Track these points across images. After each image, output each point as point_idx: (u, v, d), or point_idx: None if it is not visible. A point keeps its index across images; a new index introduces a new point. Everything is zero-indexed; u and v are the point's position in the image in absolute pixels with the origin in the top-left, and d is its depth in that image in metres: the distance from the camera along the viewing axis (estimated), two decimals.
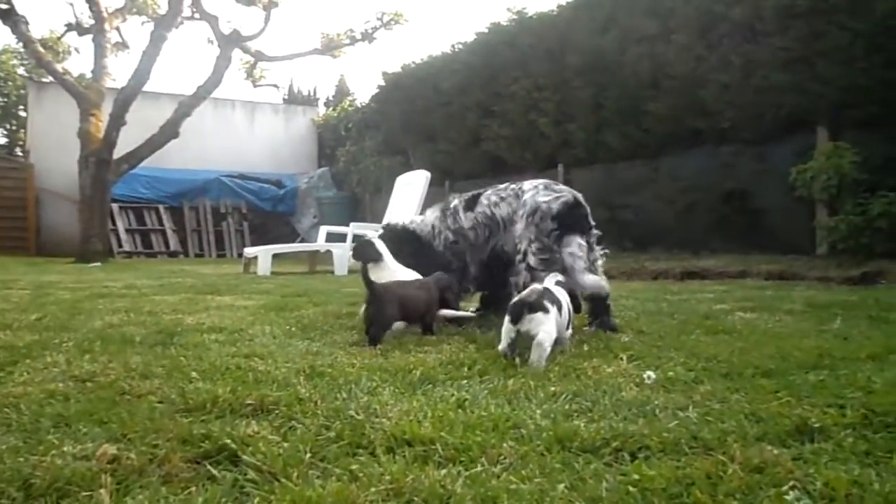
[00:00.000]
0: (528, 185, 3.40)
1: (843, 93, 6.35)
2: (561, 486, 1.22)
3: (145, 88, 12.47)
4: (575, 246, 3.08)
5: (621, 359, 2.36)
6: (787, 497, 1.16)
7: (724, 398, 1.82)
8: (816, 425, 1.53)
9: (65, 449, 1.44)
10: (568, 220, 3.17)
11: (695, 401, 1.79)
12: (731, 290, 5.05)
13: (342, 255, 8.53)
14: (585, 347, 2.60)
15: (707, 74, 7.58)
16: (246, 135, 17.76)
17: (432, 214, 3.85)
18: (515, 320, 2.33)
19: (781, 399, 1.77)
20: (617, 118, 8.79)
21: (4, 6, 11.87)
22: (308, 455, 1.41)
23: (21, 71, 24.26)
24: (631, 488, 1.19)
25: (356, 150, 15.39)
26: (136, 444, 1.48)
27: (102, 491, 1.24)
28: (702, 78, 7.64)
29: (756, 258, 6.57)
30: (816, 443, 1.45)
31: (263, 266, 8.36)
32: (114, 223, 14.66)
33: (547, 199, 3.22)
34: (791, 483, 1.22)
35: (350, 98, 19.13)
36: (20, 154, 19.84)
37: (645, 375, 2.07)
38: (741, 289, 5.12)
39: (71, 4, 14.88)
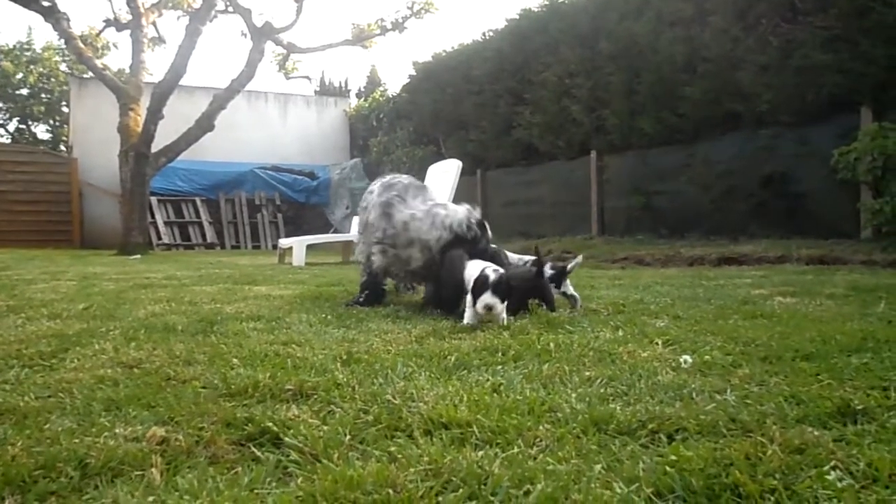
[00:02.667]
0: None
1: (888, 72, 6.17)
2: (598, 467, 1.23)
3: (181, 82, 12.66)
4: None
5: (657, 343, 2.34)
6: (828, 477, 1.15)
7: (762, 381, 1.80)
8: (859, 407, 1.51)
9: (116, 431, 1.49)
10: None
11: (733, 384, 1.77)
12: (770, 275, 4.97)
13: None
14: (620, 332, 2.59)
15: (744, 56, 7.43)
16: (279, 127, 17.95)
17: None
18: None
19: (823, 382, 1.75)
20: (651, 103, 8.68)
21: (46, 3, 12.15)
22: (348, 437, 1.44)
23: (63, 67, 24.87)
24: (668, 468, 1.19)
25: (388, 140, 15.45)
26: (182, 427, 1.53)
27: (153, 470, 1.29)
28: (739, 60, 7.50)
29: (796, 242, 6.45)
30: (859, 424, 1.43)
31: (298, 256, 8.46)
32: (153, 216, 14.99)
33: None
34: (832, 463, 1.21)
35: (381, 88, 19.18)
36: (64, 149, 20.33)
37: (681, 359, 2.05)
38: (781, 274, 5.04)
39: (109, 0, 15.19)
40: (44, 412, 1.67)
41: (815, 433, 1.36)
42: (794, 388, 1.70)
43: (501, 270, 2.91)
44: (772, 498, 1.11)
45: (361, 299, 3.86)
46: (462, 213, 3.57)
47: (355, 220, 10.17)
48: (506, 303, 2.83)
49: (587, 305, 3.46)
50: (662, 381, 1.84)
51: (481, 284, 2.81)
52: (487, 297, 2.76)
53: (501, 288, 2.80)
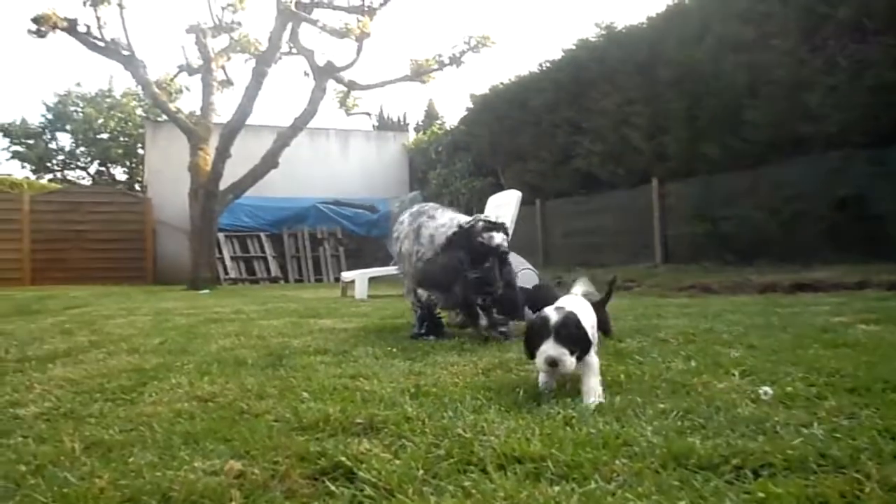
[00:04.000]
0: None
1: None
2: None
3: (247, 122, 13.13)
4: None
5: (733, 374, 2.26)
6: None
7: (852, 414, 1.71)
8: None
9: (196, 464, 1.52)
10: None
11: (819, 417, 1.69)
12: (849, 301, 4.75)
13: None
14: (693, 363, 2.51)
15: (811, 78, 7.22)
16: (340, 162, 18.36)
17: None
18: None
19: None
20: (713, 128, 8.51)
21: (126, 53, 12.86)
22: (421, 472, 1.43)
23: (139, 112, 26.18)
24: None
25: (447, 172, 15.60)
26: (258, 461, 1.55)
27: None
28: (805, 81, 7.29)
29: (875, 267, 6.15)
30: None
31: (360, 289, 8.57)
32: (220, 251, 15.47)
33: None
34: None
35: (439, 122, 19.45)
36: (139, 189, 21.29)
37: (761, 391, 1.97)
38: (861, 300, 4.81)
39: (182, 47, 15.98)
40: (127, 445, 1.73)
41: None
42: (888, 422, 1.61)
43: (567, 307, 2.18)
44: None
45: (423, 331, 3.86)
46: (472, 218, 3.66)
47: None
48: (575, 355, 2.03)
49: (656, 335, 3.38)
50: (742, 413, 1.77)
51: (539, 329, 2.08)
52: (550, 348, 2.02)
53: (570, 333, 2.04)
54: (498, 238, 3.54)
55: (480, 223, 3.58)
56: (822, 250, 7.29)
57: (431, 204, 4.12)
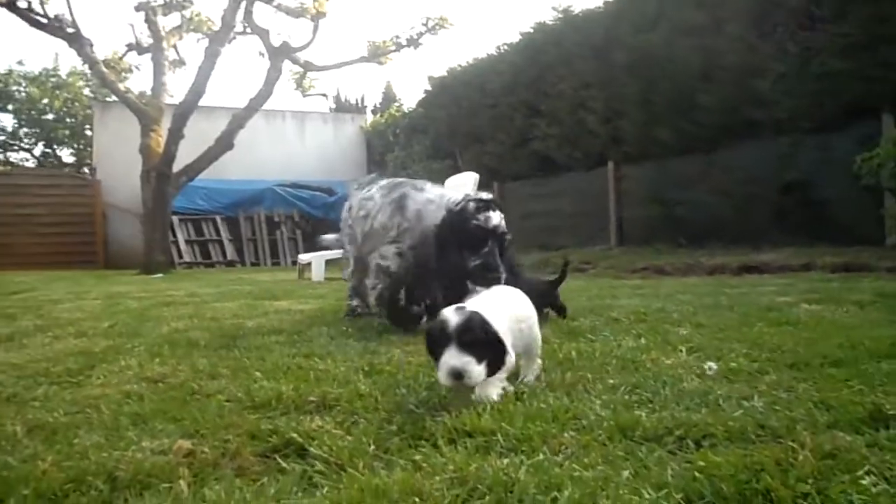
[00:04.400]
0: None
1: None
2: (625, 473, 1.22)
3: (200, 103, 12.84)
4: None
5: (680, 351, 2.32)
6: (862, 482, 1.13)
7: (791, 387, 1.78)
8: (892, 412, 1.48)
9: (143, 444, 1.50)
10: None
11: (760, 390, 1.75)
12: (795, 282, 4.91)
13: None
14: (643, 341, 2.57)
15: (762, 64, 7.39)
16: (297, 144, 18.11)
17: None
18: None
19: (853, 387, 1.72)
20: (668, 113, 8.65)
21: (71, 30, 12.40)
22: (372, 447, 1.44)
23: (87, 92, 25.34)
24: (698, 474, 1.18)
25: (405, 155, 15.53)
26: (208, 440, 1.54)
27: (181, 482, 1.30)
28: (756, 68, 7.45)
29: (820, 250, 6.36)
30: (892, 429, 1.40)
31: (317, 272, 8.51)
32: (174, 235, 15.14)
33: None
34: (866, 468, 1.18)
35: (397, 104, 19.31)
36: (87, 172, 20.68)
37: (706, 366, 2.03)
38: (805, 281, 4.97)
39: (131, 25, 15.49)
40: (72, 427, 1.69)
41: (847, 438, 1.33)
42: (824, 394, 1.67)
43: (472, 308, 1.77)
44: (805, 503, 1.09)
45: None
46: (462, 196, 3.29)
47: None
48: (484, 363, 1.69)
49: (608, 315, 3.44)
50: (688, 387, 1.82)
51: (438, 336, 1.73)
52: (452, 357, 1.66)
53: (476, 338, 1.68)
54: (495, 218, 3.14)
55: (471, 203, 3.17)
56: (770, 233, 7.50)
57: (401, 178, 3.80)
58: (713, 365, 2.05)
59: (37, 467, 1.38)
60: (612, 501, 1.11)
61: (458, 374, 1.65)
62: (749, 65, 7.51)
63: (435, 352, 1.72)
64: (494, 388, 1.75)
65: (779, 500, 1.09)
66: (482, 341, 1.68)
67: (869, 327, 2.65)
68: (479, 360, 1.66)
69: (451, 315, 1.72)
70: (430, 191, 3.46)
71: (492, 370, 1.71)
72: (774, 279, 5.42)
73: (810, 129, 7.18)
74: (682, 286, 5.06)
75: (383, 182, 3.77)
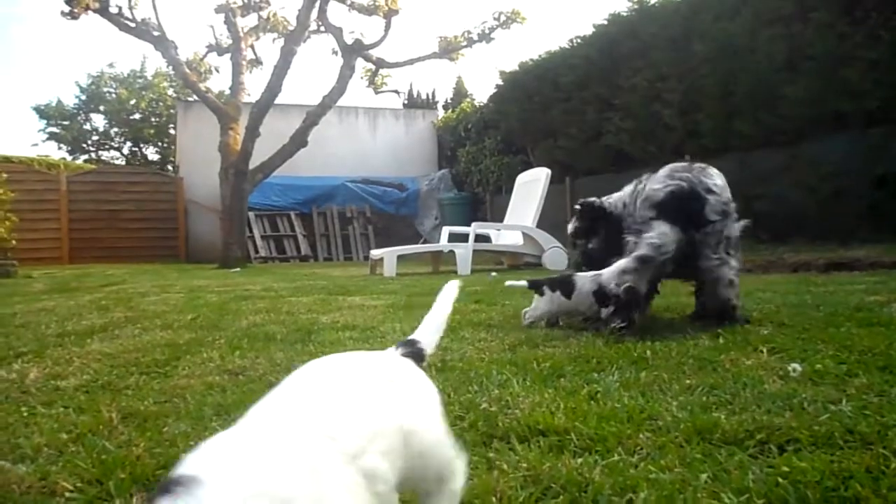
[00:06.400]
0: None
1: None
2: (703, 476, 1.19)
3: (276, 101, 13.20)
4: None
5: (761, 351, 2.24)
6: None
7: (882, 391, 1.69)
8: None
9: None
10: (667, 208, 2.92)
11: (849, 394, 1.67)
12: (886, 280, 4.64)
13: (465, 255, 8.62)
14: (721, 340, 2.49)
15: (852, 52, 7.01)
16: (369, 140, 18.39)
17: (625, 191, 3.43)
18: None
19: None
20: (749, 105, 8.32)
21: (156, 33, 12.99)
22: None
23: (171, 92, 26.50)
24: (781, 480, 1.14)
25: (476, 150, 15.53)
26: None
27: None
28: (846, 56, 7.08)
29: None
30: None
31: (389, 267, 8.61)
32: (251, 230, 15.65)
33: (657, 186, 3.02)
34: None
35: (468, 99, 19.31)
36: (171, 169, 21.61)
37: (790, 368, 1.95)
38: None
39: (211, 27, 16.07)
40: (161, 416, 1.78)
41: None
42: None
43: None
44: None
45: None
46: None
47: (445, 230, 10.29)
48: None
49: (684, 313, 3.35)
50: (769, 389, 1.76)
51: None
52: None
53: None
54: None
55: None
56: (860, 229, 7.12)
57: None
58: (797, 366, 1.97)
59: (131, 453, 1.46)
60: None
61: None
62: (838, 54, 7.15)
63: None
64: None
65: None
66: None
67: None
68: None
69: None
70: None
71: None
72: (863, 277, 5.14)
73: None
74: (763, 283, 4.87)
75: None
